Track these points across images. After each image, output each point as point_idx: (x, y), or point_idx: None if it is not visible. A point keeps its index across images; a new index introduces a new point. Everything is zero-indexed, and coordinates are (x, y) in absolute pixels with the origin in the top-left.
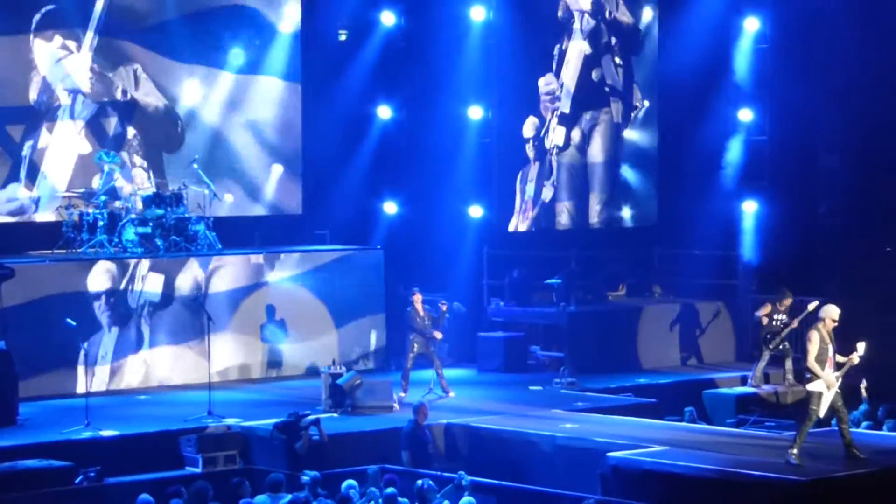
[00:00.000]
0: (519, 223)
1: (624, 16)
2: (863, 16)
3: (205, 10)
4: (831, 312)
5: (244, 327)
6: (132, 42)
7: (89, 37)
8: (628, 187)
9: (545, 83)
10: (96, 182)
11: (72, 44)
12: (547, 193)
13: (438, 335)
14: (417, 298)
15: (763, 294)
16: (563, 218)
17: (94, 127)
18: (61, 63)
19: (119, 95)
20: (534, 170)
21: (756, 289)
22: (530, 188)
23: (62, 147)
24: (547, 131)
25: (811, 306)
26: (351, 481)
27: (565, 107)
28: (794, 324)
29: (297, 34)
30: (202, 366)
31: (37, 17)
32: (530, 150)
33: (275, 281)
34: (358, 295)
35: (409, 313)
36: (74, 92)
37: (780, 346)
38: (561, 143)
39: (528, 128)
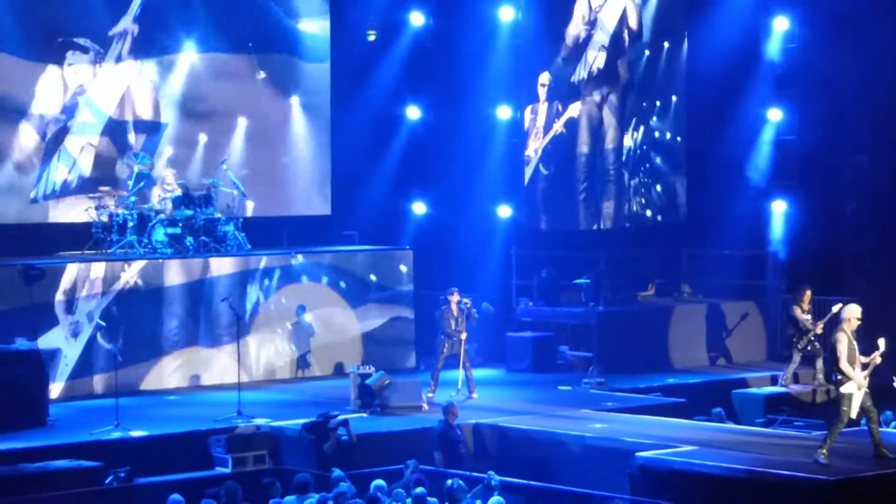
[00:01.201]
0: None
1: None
2: (892, 15)
3: (233, 15)
4: (855, 312)
5: (274, 327)
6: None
7: (118, 50)
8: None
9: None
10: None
11: (87, 61)
12: (558, 127)
13: (463, 335)
14: (454, 299)
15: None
16: (582, 154)
17: (116, 137)
18: (86, 76)
19: (132, 116)
20: (543, 107)
21: (785, 288)
22: (541, 120)
23: (88, 151)
24: (585, 61)
25: (835, 308)
26: (379, 481)
27: (603, 39)
28: (819, 329)
29: (326, 35)
30: (231, 366)
31: (60, 39)
32: (542, 92)
33: (304, 282)
34: (386, 295)
35: (443, 313)
36: (93, 105)
37: (809, 347)
38: (602, 66)
39: (545, 77)
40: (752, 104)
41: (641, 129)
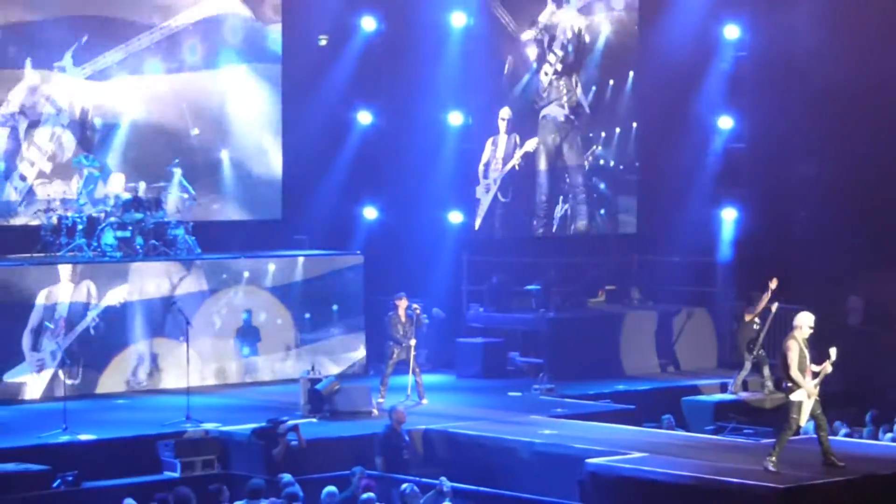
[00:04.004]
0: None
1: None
2: (841, 23)
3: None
4: (807, 320)
5: (223, 332)
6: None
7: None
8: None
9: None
10: (75, 186)
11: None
12: (516, 160)
13: (412, 341)
14: (402, 304)
15: (741, 301)
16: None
17: (76, 135)
18: (46, 77)
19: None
20: (503, 139)
21: (735, 296)
22: (500, 151)
23: (43, 152)
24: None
25: (773, 307)
26: (331, 488)
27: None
28: (765, 328)
29: (277, 39)
30: (181, 370)
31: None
32: (502, 126)
33: (253, 285)
34: (337, 299)
35: (390, 318)
36: (56, 105)
37: (757, 354)
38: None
39: (505, 112)
40: (703, 113)
41: (589, 157)
